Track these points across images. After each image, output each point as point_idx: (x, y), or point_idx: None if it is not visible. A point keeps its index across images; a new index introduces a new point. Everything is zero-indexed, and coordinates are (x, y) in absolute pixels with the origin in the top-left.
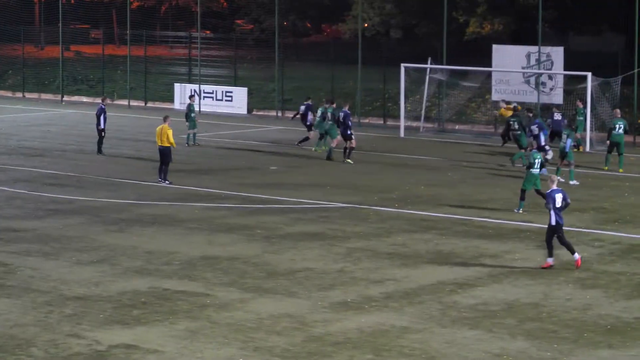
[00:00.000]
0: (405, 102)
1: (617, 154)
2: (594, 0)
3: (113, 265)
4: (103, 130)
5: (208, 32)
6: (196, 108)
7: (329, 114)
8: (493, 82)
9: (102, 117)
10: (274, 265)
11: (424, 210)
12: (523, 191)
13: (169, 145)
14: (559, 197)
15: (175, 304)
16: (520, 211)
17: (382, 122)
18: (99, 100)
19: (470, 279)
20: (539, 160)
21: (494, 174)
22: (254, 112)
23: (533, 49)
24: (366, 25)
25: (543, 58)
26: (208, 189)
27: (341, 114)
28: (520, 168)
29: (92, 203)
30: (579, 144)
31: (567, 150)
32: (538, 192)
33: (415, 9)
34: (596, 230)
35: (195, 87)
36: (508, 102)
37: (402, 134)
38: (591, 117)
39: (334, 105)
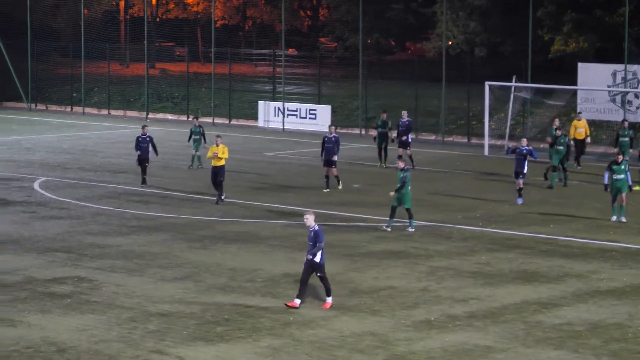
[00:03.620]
0: (489, 121)
1: None
2: None
3: (197, 282)
4: (136, 158)
5: (292, 50)
6: (198, 129)
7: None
8: (578, 101)
9: (137, 147)
10: (357, 283)
11: (508, 229)
12: (408, 209)
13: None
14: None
15: (258, 321)
16: (389, 229)
17: (466, 140)
18: (183, 117)
19: (554, 299)
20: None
21: (577, 193)
22: (338, 130)
23: (619, 67)
24: (450, 43)
25: (629, 76)
26: (290, 206)
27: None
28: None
29: (176, 220)
30: None
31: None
32: (407, 210)
33: (499, 28)
34: None
35: (279, 104)
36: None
37: (486, 152)
38: None
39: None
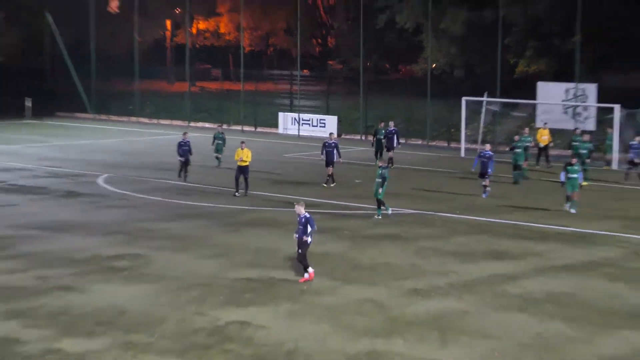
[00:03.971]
0: (465, 129)
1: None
2: (626, 43)
3: (229, 258)
4: (179, 160)
5: (306, 71)
6: (221, 135)
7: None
8: (538, 112)
9: (179, 150)
10: (359, 260)
11: (481, 216)
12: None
13: (247, 164)
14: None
15: (278, 290)
16: (380, 217)
17: (446, 144)
18: (216, 125)
19: (518, 273)
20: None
21: (537, 188)
22: (343, 136)
23: (571, 85)
24: (434, 65)
25: (579, 92)
26: (305, 197)
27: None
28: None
29: (212, 209)
30: (608, 164)
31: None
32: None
33: (475, 52)
34: (621, 234)
35: (295, 114)
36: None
37: (462, 154)
38: (618, 142)
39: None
